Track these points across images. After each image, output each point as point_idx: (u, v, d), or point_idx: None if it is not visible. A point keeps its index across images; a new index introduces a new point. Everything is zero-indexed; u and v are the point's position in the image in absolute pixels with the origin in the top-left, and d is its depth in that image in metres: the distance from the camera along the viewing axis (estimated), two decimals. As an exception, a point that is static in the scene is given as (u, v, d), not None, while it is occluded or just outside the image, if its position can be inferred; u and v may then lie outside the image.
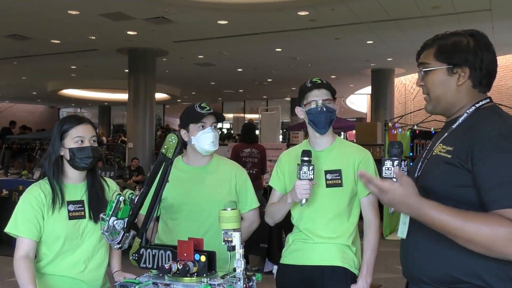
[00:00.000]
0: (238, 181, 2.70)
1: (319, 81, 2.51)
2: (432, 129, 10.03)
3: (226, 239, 1.88)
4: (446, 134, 1.75)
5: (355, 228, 2.53)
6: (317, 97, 2.48)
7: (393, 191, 1.58)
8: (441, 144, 1.72)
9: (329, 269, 2.44)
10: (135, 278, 1.98)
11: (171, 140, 2.05)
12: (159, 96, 17.69)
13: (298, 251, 2.53)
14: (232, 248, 1.86)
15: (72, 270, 2.33)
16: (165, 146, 2.05)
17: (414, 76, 17.85)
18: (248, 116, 25.78)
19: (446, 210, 1.54)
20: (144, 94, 13.49)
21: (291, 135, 13.43)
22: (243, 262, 1.85)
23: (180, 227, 2.62)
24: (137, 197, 2.10)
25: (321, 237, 2.48)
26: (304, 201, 2.34)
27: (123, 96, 15.42)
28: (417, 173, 1.78)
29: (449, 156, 1.65)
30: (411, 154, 9.94)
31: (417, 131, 10.39)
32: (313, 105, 2.48)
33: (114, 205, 2.07)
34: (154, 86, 13.82)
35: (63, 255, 2.31)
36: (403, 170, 1.80)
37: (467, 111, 1.72)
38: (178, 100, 24.23)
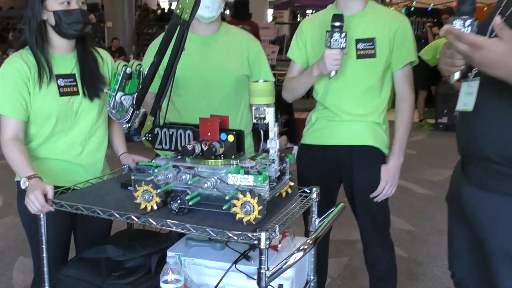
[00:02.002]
0: (251, 53, 2.38)
1: None
2: (432, 4, 9.56)
3: (258, 116, 1.61)
4: None
5: (386, 104, 2.28)
6: None
7: (490, 46, 1.26)
8: None
9: (359, 149, 2.22)
10: (151, 161, 1.73)
11: (188, -2, 1.69)
12: (137, -29, 16.52)
13: (323, 130, 2.29)
14: (265, 126, 1.60)
15: (67, 153, 2.07)
16: (180, 6, 1.69)
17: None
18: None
19: None
20: (122, -32, 12.53)
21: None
22: (277, 141, 1.60)
23: (187, 103, 2.34)
24: (147, 68, 1.79)
25: (349, 114, 2.23)
26: (333, 73, 2.06)
27: (98, -29, 14.34)
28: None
29: None
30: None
31: (413, 8, 9.93)
32: None
33: (120, 78, 1.77)
34: (132, -42, 12.81)
35: (56, 137, 2.04)
36: (474, 32, 1.51)
37: None
38: (156, -23, 22.80)
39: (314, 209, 1.84)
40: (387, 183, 2.22)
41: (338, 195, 2.40)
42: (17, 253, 3.66)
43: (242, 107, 2.39)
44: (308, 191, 1.83)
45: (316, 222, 1.84)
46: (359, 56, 2.19)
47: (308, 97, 2.45)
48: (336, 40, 2.01)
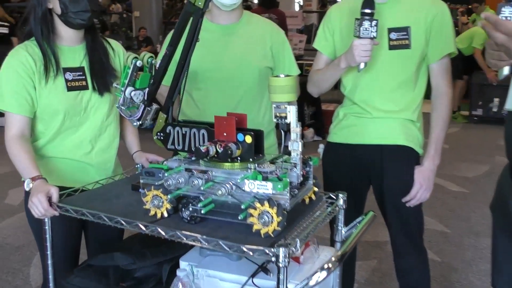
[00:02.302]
0: (275, 43, 2.22)
1: None
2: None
3: (278, 114, 1.44)
4: None
5: (421, 100, 2.08)
6: None
7: None
8: None
9: (390, 149, 2.04)
10: (162, 163, 1.59)
11: (202, -16, 1.53)
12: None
13: (351, 128, 2.11)
14: (287, 126, 1.44)
15: (76, 151, 1.95)
16: (194, -8, 1.54)
17: None
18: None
19: None
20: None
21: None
22: (300, 143, 1.44)
23: (206, 98, 2.19)
24: (159, 61, 1.64)
25: (380, 111, 2.04)
26: (362, 65, 1.88)
27: (126, -40, 14.28)
28: None
29: None
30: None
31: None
32: None
33: (130, 71, 1.62)
34: None
35: (64, 134, 1.92)
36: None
37: None
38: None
39: (341, 217, 1.67)
40: (421, 186, 2.03)
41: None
42: (35, 248, 3.56)
43: (266, 102, 2.23)
44: (334, 197, 1.66)
45: (343, 232, 1.68)
46: (391, 47, 2.00)
47: (336, 88, 2.29)
48: (366, 29, 1.83)
